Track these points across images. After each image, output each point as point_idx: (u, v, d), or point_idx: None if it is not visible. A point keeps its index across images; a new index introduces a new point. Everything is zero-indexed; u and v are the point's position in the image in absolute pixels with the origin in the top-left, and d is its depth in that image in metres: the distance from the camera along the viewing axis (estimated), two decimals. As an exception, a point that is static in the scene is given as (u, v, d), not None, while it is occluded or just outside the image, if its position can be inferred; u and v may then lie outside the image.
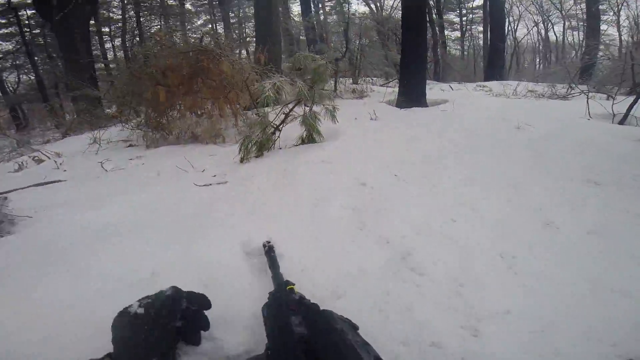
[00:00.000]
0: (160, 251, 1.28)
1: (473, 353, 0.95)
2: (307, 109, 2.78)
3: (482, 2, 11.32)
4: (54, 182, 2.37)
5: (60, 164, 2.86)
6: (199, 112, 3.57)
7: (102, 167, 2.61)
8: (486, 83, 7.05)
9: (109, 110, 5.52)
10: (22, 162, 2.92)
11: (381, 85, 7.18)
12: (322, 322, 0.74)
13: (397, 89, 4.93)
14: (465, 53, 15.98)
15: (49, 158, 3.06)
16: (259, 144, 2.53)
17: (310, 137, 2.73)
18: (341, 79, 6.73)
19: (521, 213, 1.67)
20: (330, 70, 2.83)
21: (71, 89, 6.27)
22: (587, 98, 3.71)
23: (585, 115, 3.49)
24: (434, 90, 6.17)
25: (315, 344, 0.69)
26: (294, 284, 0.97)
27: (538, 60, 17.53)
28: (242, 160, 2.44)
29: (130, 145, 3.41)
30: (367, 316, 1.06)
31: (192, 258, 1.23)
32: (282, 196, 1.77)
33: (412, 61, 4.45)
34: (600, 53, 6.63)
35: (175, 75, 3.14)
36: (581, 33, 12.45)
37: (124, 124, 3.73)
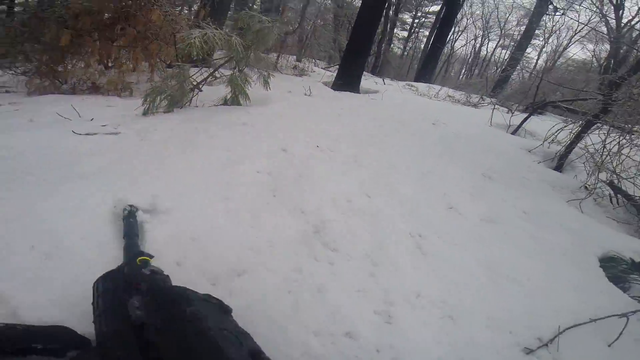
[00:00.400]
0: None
1: (388, 345, 0.87)
2: (238, 70, 2.45)
3: (439, 8, 11.73)
4: None
5: None
6: (108, 63, 2.95)
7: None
8: (414, 83, 7.47)
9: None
10: None
11: (323, 68, 7.04)
12: (166, 304, 0.54)
13: (332, 76, 4.92)
14: (406, 53, 16.68)
15: None
16: (170, 98, 2.11)
17: (235, 98, 2.40)
18: (286, 54, 6.39)
19: (429, 196, 1.71)
20: (276, 35, 2.53)
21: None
22: (493, 109, 4.19)
23: (488, 123, 3.96)
24: (368, 81, 6.31)
25: (155, 332, 0.49)
26: (150, 257, 0.75)
27: (463, 71, 19.32)
28: (145, 113, 1.99)
29: (7, 92, 2.66)
30: (275, 298, 0.90)
31: (35, 218, 0.88)
32: (186, 154, 1.45)
33: (357, 49, 4.46)
34: (516, 71, 7.57)
35: (91, 19, 2.58)
36: (509, 52, 13.93)
37: (5, 69, 2.89)
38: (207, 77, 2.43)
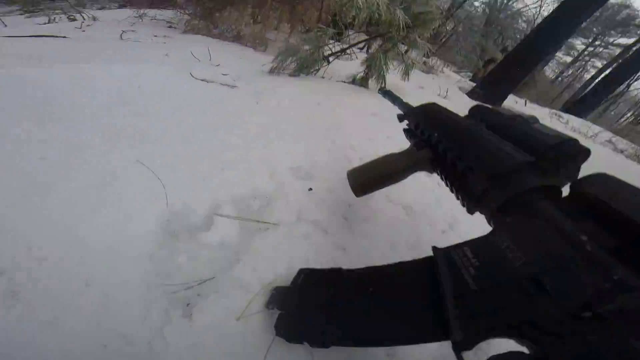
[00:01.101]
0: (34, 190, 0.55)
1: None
2: (380, 46, 1.94)
3: (634, 41, 8.82)
4: (55, 36, 1.86)
5: (88, 25, 2.37)
6: (258, 18, 2.84)
7: (121, 36, 2.05)
8: (564, 114, 5.75)
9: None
10: (53, 18, 2.51)
11: (454, 71, 6.00)
12: None
13: (465, 82, 4.01)
14: (560, 79, 13.36)
15: (83, 19, 2.59)
16: (301, 61, 1.76)
17: (364, 79, 1.92)
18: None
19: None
20: (437, 25, 1.94)
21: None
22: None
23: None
24: (507, 99, 5.07)
25: None
26: None
27: (630, 114, 14.45)
28: (271, 71, 1.70)
29: (170, 27, 2.79)
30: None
31: (95, 229, 0.52)
32: (309, 128, 1.04)
33: (521, 62, 3.44)
34: None
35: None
36: None
37: (176, 7, 3.09)
38: (345, 49, 1.99)
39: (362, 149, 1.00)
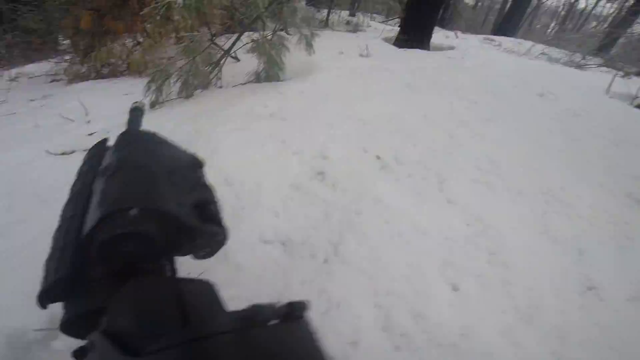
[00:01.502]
0: None
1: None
2: (268, 33, 1.73)
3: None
4: None
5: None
6: (138, 38, 2.47)
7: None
8: (495, 37, 5.72)
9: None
10: None
11: (381, 22, 5.75)
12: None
13: (392, 31, 3.85)
14: (480, 3, 13.32)
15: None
16: (184, 81, 1.53)
17: (269, 72, 1.71)
18: (336, 9, 5.26)
19: (559, 259, 0.89)
20: None
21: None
22: (614, 75, 2.85)
23: (603, 92, 2.69)
24: (437, 35, 4.93)
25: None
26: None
27: (553, 24, 14.74)
28: (153, 105, 1.46)
29: (54, 80, 2.47)
30: None
31: None
32: None
33: None
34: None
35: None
36: (615, 5, 10.09)
37: (54, 58, 2.73)
38: (232, 45, 1.76)
39: (239, 180, 0.86)
